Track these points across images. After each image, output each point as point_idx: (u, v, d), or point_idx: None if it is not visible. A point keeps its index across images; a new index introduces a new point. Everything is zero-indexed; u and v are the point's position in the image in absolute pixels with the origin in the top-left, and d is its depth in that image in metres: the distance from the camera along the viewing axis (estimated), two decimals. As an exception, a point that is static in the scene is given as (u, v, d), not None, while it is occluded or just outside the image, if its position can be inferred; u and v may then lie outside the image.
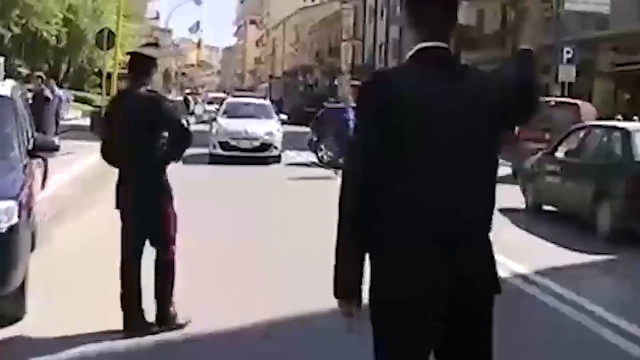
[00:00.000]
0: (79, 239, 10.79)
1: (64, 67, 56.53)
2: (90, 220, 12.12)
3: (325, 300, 3.90)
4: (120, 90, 7.67)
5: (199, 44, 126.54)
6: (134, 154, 6.80)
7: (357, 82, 20.41)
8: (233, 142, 25.20)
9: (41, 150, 8.08)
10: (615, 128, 14.32)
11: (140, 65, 7.10)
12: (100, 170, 16.63)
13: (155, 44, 8.25)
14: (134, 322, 6.79)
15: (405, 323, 3.33)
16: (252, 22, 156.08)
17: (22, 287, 6.79)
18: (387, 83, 3.45)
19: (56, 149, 8.24)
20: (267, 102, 31.76)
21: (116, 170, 7.08)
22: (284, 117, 27.16)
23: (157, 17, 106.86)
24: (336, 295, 3.41)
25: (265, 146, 25.36)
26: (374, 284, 3.39)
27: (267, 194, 18.28)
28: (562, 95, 31.13)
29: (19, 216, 6.48)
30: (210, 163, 24.44)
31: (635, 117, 25.10)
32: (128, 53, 7.50)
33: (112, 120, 7.05)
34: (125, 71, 25.61)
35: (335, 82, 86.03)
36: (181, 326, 6.96)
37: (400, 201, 3.37)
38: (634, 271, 11.26)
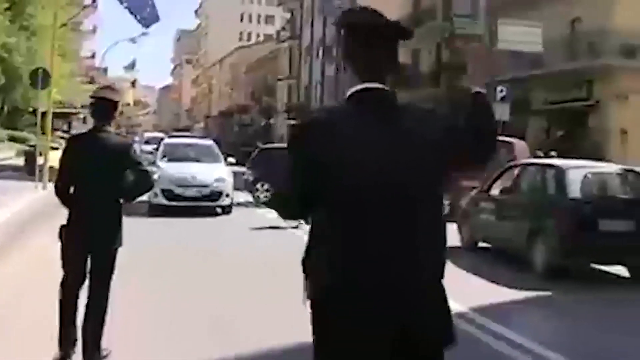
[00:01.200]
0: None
1: (-3, 106, 55.79)
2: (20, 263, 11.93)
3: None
4: (82, 132, 7.54)
5: (133, 83, 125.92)
6: (101, 194, 6.81)
7: (294, 122, 20.34)
8: (178, 190, 22.01)
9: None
10: (548, 166, 14.57)
11: (105, 108, 7.09)
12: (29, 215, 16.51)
13: (112, 88, 8.12)
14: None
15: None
16: (188, 61, 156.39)
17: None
18: (322, 125, 3.35)
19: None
20: (210, 142, 27.59)
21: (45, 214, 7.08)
22: (230, 159, 25.58)
23: (93, 56, 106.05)
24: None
25: (216, 195, 22.28)
26: (316, 322, 3.30)
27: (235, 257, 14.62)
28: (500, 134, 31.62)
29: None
30: (150, 215, 21.06)
31: (552, 153, 25.61)
32: (92, 97, 7.42)
33: (74, 160, 6.97)
34: (60, 110, 25.64)
35: (271, 121, 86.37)
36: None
37: (342, 247, 3.25)
38: (569, 306, 11.39)
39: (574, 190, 13.21)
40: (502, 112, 33.22)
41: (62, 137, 35.06)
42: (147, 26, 30.64)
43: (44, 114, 27.11)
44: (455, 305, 10.02)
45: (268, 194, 26.17)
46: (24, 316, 8.16)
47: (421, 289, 3.29)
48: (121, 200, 7.06)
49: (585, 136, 34.53)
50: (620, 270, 13.85)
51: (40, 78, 26.06)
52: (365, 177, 3.25)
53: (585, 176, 13.57)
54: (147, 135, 70.14)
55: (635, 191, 13.97)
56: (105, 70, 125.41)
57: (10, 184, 22.00)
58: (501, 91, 33.19)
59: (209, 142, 27.47)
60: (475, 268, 13.88)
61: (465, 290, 11.60)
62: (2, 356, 7.10)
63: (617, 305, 11.58)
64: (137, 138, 64.56)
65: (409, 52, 50.77)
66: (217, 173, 22.77)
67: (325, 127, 3.32)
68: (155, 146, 37.56)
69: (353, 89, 3.43)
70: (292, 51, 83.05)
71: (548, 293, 12.08)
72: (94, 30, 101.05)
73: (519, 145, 25.18)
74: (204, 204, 22.14)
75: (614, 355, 8.40)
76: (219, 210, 22.58)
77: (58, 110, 26.32)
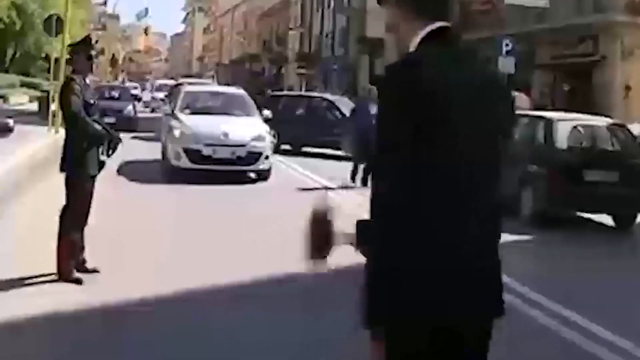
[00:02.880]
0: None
1: (10, 52, 56.42)
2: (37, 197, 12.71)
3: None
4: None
5: (146, 31, 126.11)
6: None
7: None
8: (207, 151, 17.53)
9: (-2, 131, 8.67)
10: (538, 117, 15.21)
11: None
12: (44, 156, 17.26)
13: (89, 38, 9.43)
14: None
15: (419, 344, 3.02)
16: (201, 9, 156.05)
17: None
18: (418, 71, 3.01)
19: (10, 129, 8.83)
20: (242, 91, 22.37)
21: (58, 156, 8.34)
22: (266, 112, 20.13)
23: (105, 3, 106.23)
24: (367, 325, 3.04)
25: (254, 156, 17.81)
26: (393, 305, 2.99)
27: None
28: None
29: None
30: (168, 181, 17.18)
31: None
32: (69, 45, 8.61)
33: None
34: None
35: (282, 70, 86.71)
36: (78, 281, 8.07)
37: (427, 213, 2.99)
38: (552, 251, 12.11)
39: (562, 141, 13.93)
40: (507, 65, 33.78)
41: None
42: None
43: (56, 60, 27.69)
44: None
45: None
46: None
47: (490, 261, 3.22)
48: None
49: (589, 91, 34.92)
50: (607, 220, 14.53)
51: (54, 25, 26.60)
52: (455, 128, 3.02)
53: (573, 128, 14.29)
54: (159, 82, 70.44)
55: (621, 144, 14.66)
56: (117, 17, 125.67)
57: (27, 128, 22.62)
58: (506, 45, 33.64)
59: (240, 91, 22.29)
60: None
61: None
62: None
63: (599, 251, 12.29)
64: (137, 89, 64.17)
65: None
66: (254, 130, 18.26)
67: (420, 75, 3.00)
68: (166, 94, 37.00)
69: (427, 29, 3.16)
70: (304, 1, 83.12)
71: (532, 237, 12.81)
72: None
73: (519, 97, 25.75)
74: (238, 168, 17.83)
75: (591, 297, 8.99)
76: (252, 175, 18.30)
77: (68, 56, 26.76)
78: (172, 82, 56.88)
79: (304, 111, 27.38)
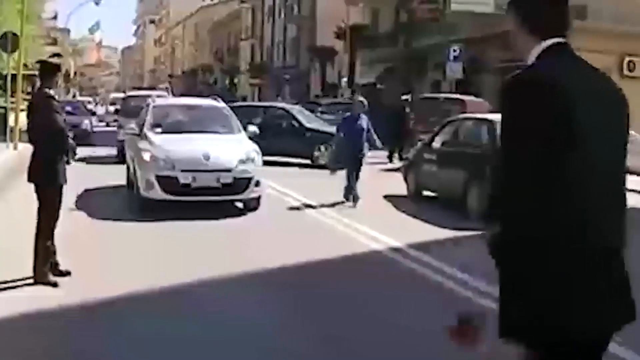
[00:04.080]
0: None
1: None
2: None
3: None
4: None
5: (99, 44, 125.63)
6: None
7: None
8: (184, 178, 14.38)
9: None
10: (482, 120, 15.96)
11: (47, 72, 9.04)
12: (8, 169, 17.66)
13: (59, 54, 10.23)
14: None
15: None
16: (152, 21, 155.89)
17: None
18: (550, 83, 3.16)
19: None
20: (221, 104, 18.25)
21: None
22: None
23: (55, 17, 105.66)
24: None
25: (242, 182, 14.74)
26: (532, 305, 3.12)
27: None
28: (452, 92, 33.12)
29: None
30: (137, 217, 13.95)
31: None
32: (38, 62, 9.34)
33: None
34: (26, 72, 25.35)
35: (235, 81, 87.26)
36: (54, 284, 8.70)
37: (564, 205, 3.09)
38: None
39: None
40: (455, 70, 34.68)
41: (25, 99, 35.84)
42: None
43: (13, 77, 27.96)
44: (395, 243, 11.53)
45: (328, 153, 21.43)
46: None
47: (620, 258, 3.30)
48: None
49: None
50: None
51: (10, 41, 26.87)
52: (589, 137, 3.15)
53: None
54: (112, 95, 70.74)
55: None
56: (68, 31, 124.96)
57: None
58: (454, 51, 34.54)
59: (219, 103, 18.21)
60: (418, 213, 15.36)
61: (404, 231, 13.11)
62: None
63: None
64: (91, 104, 63.80)
65: (370, 11, 51.82)
66: (240, 150, 15.24)
67: (559, 84, 3.15)
68: (117, 108, 34.72)
69: (546, 43, 3.36)
70: (255, 11, 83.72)
71: (478, 232, 13.47)
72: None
73: (472, 102, 26.60)
74: (224, 199, 14.81)
75: None
76: (239, 205, 15.39)
77: (24, 72, 27.09)
78: (123, 94, 57.07)
79: (261, 121, 27.58)
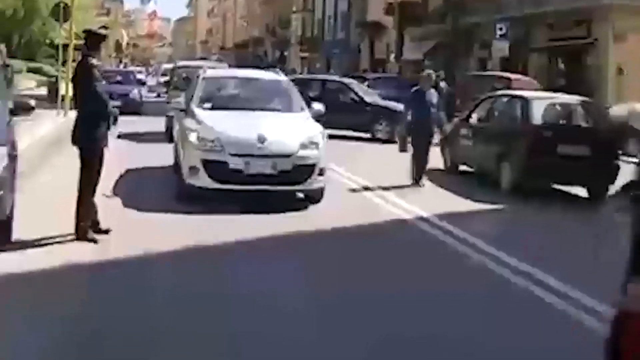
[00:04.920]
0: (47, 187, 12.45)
1: (15, 38, 57.39)
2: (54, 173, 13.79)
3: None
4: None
5: (151, 15, 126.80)
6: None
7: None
8: (236, 163, 12.23)
9: (20, 109, 9.71)
10: (516, 97, 16.26)
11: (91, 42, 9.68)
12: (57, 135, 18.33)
13: (105, 27, 10.93)
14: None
15: None
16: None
17: (10, 216, 8.54)
18: None
19: (32, 108, 9.88)
20: (282, 77, 15.88)
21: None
22: (318, 106, 14.61)
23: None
24: None
25: (304, 170, 12.47)
26: None
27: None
28: (498, 70, 33.34)
29: (9, 159, 8.21)
30: (180, 210, 11.72)
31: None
32: (84, 31, 9.86)
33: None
34: (77, 42, 25.67)
35: (285, 53, 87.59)
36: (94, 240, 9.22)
37: None
38: (526, 218, 13.17)
39: (537, 118, 15.04)
40: (501, 49, 34.83)
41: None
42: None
43: (65, 46, 28.66)
44: (422, 213, 11.93)
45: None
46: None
47: None
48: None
49: (583, 74, 35.84)
50: (582, 192, 15.58)
51: (62, 11, 27.57)
52: None
53: (547, 106, 15.41)
54: (164, 66, 71.15)
55: (592, 120, 15.79)
56: (121, 1, 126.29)
57: (36, 112, 23.50)
58: (500, 29, 34.67)
59: (280, 76, 15.72)
60: (451, 186, 15.72)
61: (435, 202, 13.50)
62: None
63: (568, 218, 13.34)
64: (142, 74, 63.96)
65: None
66: (303, 132, 12.88)
67: None
68: (166, 79, 33.91)
69: None
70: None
71: (510, 207, 13.89)
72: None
73: (518, 80, 26.82)
74: (282, 188, 12.54)
75: (558, 259, 9.82)
76: (299, 195, 12.98)
77: (76, 42, 27.76)
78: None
79: (320, 94, 26.15)
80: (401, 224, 11.95)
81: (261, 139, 12.26)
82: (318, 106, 14.55)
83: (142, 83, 46.66)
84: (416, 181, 15.37)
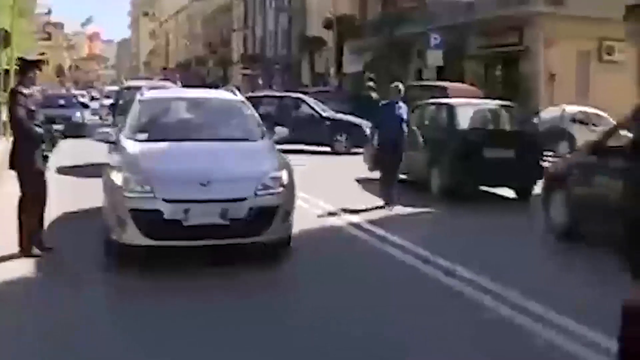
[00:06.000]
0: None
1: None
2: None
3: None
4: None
5: (92, 37, 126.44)
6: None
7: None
8: (172, 212, 9.29)
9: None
10: (442, 104, 16.97)
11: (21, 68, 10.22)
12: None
13: (43, 53, 11.27)
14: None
15: None
16: (145, 14, 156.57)
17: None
18: None
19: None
20: (239, 97, 12.89)
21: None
22: (282, 130, 12.07)
23: (49, 12, 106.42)
24: None
25: (263, 217, 9.64)
26: None
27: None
28: (433, 79, 34.11)
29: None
30: (108, 275, 9.32)
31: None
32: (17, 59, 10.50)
33: None
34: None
35: (227, 72, 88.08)
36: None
37: None
38: (453, 220, 13.75)
39: (463, 123, 15.76)
40: (436, 57, 35.62)
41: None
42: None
43: (6, 72, 28.86)
44: (354, 219, 12.47)
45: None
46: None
47: None
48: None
49: (518, 80, 36.74)
50: (509, 193, 16.30)
51: (2, 38, 27.78)
52: None
53: (472, 112, 16.18)
54: (107, 89, 71.04)
55: (516, 124, 16.62)
56: (62, 25, 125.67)
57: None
58: (435, 39, 35.46)
59: (234, 96, 12.84)
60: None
61: (371, 210, 14.04)
62: None
63: (496, 218, 13.95)
64: (84, 97, 63.47)
65: (358, 1, 52.65)
66: (262, 167, 10.13)
67: None
68: (111, 102, 30.86)
69: None
70: (247, 2, 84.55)
71: (439, 210, 14.50)
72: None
73: (456, 88, 27.50)
74: (235, 241, 9.67)
75: (483, 256, 10.42)
76: (267, 251, 10.19)
77: (16, 68, 27.97)
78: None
79: (278, 110, 27.81)
80: (339, 231, 12.43)
81: (205, 179, 9.42)
82: (282, 130, 12.04)
83: (85, 106, 46.73)
84: (387, 204, 14.44)
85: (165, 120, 11.87)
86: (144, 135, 11.02)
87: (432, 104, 17.97)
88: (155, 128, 11.39)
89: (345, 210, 13.89)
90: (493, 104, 17.83)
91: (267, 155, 10.65)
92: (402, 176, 17.60)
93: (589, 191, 11.02)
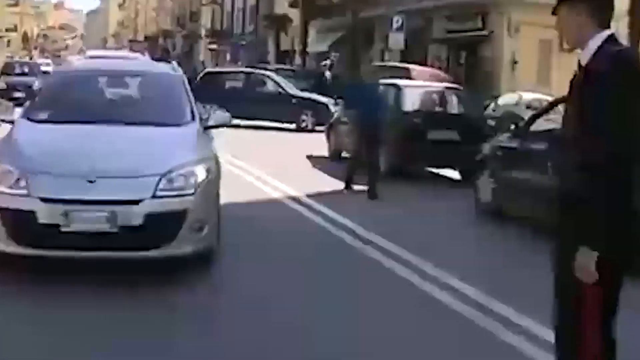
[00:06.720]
0: None
1: None
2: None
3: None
4: None
5: (56, 5, 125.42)
6: None
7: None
8: (49, 215, 7.29)
9: None
10: (390, 85, 17.09)
11: None
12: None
13: None
14: None
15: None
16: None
17: None
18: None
19: None
20: (176, 72, 10.28)
21: None
22: (223, 114, 9.98)
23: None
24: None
25: (166, 225, 7.44)
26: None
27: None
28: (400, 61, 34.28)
29: None
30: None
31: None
32: None
33: None
34: None
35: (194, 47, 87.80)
36: None
37: None
38: (396, 200, 13.87)
39: (408, 105, 15.98)
40: (397, 41, 35.76)
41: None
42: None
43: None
44: (297, 193, 12.65)
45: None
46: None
47: None
48: None
49: (480, 65, 37.06)
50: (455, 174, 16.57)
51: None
52: None
53: (418, 94, 16.38)
54: (75, 58, 70.39)
55: (460, 106, 16.87)
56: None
57: None
58: (397, 21, 35.58)
59: (171, 71, 10.45)
60: (332, 172, 16.33)
61: (310, 184, 14.22)
62: None
63: (441, 199, 14.19)
64: (48, 66, 63.30)
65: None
66: (173, 159, 7.87)
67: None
68: None
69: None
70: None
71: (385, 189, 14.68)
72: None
73: (419, 71, 27.70)
74: (124, 255, 7.63)
75: (422, 238, 10.47)
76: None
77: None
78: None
79: (244, 87, 28.36)
80: (275, 203, 12.66)
81: (93, 174, 7.46)
82: (222, 115, 9.94)
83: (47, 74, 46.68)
84: (347, 185, 14.19)
85: (74, 97, 9.67)
86: (43, 115, 9.08)
87: (383, 84, 18.15)
88: (59, 107, 9.29)
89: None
90: (440, 86, 18.08)
91: (186, 145, 8.43)
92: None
93: (510, 173, 11.40)
